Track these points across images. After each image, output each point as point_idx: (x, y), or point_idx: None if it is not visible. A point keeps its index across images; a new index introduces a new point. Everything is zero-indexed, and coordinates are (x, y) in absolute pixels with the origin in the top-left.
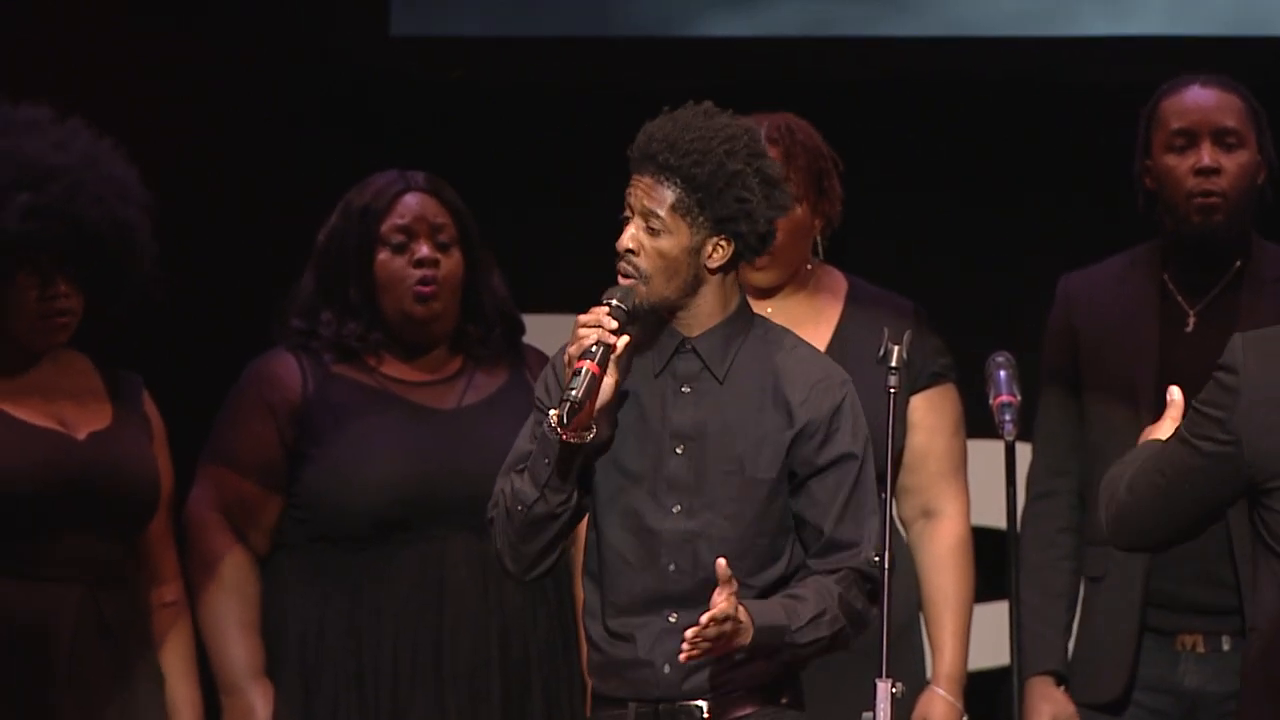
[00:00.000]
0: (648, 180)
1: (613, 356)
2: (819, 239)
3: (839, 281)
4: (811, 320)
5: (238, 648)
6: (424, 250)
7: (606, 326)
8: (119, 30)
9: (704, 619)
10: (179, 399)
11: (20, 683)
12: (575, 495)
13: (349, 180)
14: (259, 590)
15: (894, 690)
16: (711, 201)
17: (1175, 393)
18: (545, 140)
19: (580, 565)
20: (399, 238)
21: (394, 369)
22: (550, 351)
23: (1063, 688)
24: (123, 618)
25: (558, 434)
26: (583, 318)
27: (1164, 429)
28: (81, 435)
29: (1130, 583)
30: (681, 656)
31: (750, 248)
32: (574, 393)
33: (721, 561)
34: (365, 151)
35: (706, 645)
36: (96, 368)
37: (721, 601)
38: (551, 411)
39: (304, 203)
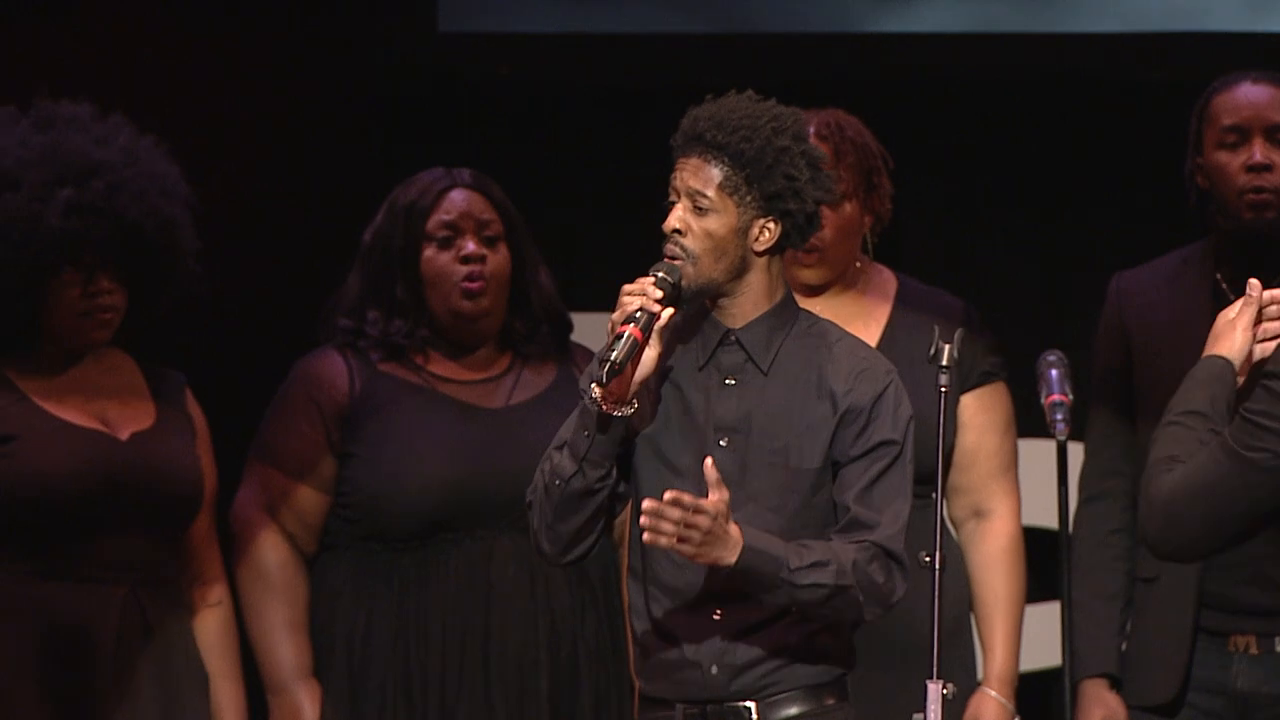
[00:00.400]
0: (694, 160)
1: (656, 326)
2: (868, 236)
3: (888, 280)
4: (860, 319)
5: (285, 648)
6: (470, 246)
7: (651, 295)
8: (162, 28)
9: (667, 496)
10: (224, 397)
11: (64, 684)
12: (613, 473)
13: (396, 177)
14: (306, 591)
15: (945, 691)
16: (760, 178)
17: (1256, 286)
18: (594, 137)
19: (626, 565)
20: (445, 234)
21: (441, 367)
22: (598, 349)
23: (1116, 690)
24: (166, 618)
25: (598, 404)
26: (627, 286)
27: (1231, 340)
28: (124, 435)
29: (1183, 584)
30: (645, 536)
31: (798, 229)
32: (614, 354)
33: (709, 461)
34: (412, 148)
35: (669, 529)
36: (140, 366)
37: (705, 500)
38: (593, 384)
39: (350, 200)
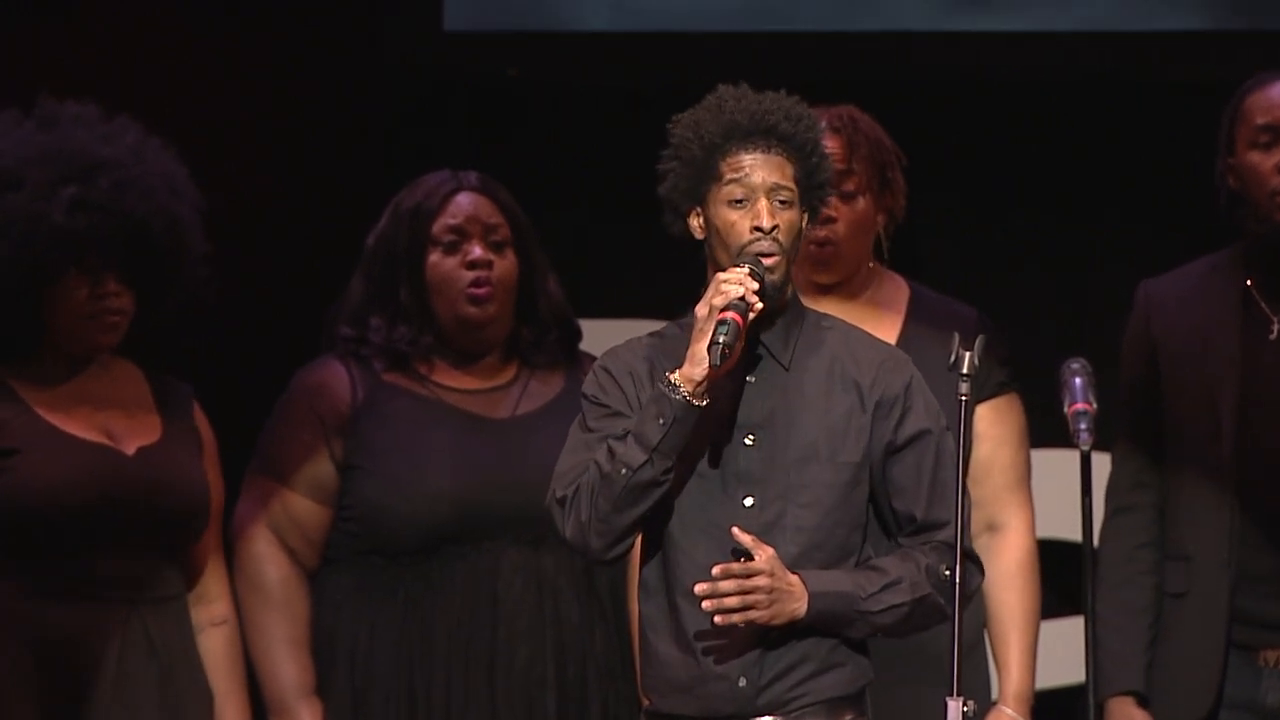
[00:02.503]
0: (762, 155)
1: (750, 316)
2: (882, 237)
3: (901, 288)
4: (873, 327)
5: (287, 666)
6: (477, 251)
7: (749, 286)
8: (167, 29)
9: (716, 570)
10: (225, 403)
11: (64, 702)
12: (674, 469)
13: (401, 180)
14: (308, 607)
15: (965, 709)
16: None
17: None
18: (606, 140)
19: (634, 581)
20: (451, 238)
21: (446, 377)
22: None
23: (1143, 708)
24: (169, 637)
25: (681, 393)
26: (723, 275)
27: None
28: (130, 450)
29: (1214, 600)
30: (717, 619)
31: (814, 219)
32: (724, 338)
33: (736, 530)
34: (417, 151)
35: (733, 602)
36: (147, 377)
37: (756, 560)
38: (675, 372)
39: (354, 203)
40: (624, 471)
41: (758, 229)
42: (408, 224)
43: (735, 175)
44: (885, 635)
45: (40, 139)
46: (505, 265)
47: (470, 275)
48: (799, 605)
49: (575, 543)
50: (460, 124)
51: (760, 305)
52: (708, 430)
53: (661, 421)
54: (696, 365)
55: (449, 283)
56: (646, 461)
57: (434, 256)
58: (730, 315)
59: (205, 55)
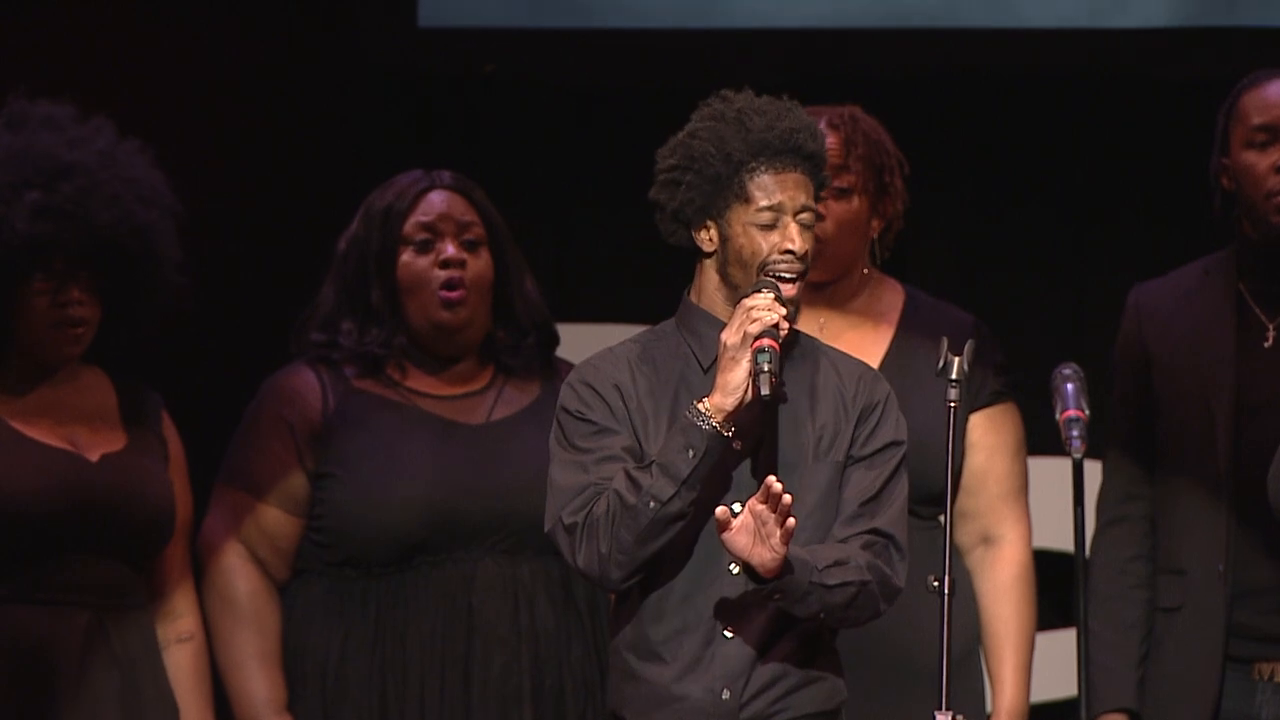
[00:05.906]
0: (793, 174)
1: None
2: (877, 245)
3: (896, 293)
4: (866, 332)
5: (257, 682)
6: (450, 250)
7: (779, 311)
8: (137, 26)
9: (778, 485)
10: (206, 419)
11: (25, 708)
12: (699, 498)
13: (378, 180)
14: (279, 620)
15: None
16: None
17: None
18: (584, 139)
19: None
20: (423, 236)
21: (419, 382)
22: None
23: None
24: (133, 646)
25: (712, 425)
26: (749, 302)
27: None
28: (94, 457)
29: (1211, 614)
30: (790, 522)
31: None
32: (769, 366)
33: (770, 478)
34: (392, 150)
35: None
36: (115, 387)
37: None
38: (704, 401)
39: (331, 205)
40: (652, 505)
41: (789, 252)
42: (379, 224)
43: (765, 196)
44: (827, 622)
45: (6, 141)
46: (479, 265)
47: (443, 275)
48: (779, 563)
49: (590, 573)
50: (435, 122)
51: (787, 328)
52: None
53: (691, 453)
54: (729, 394)
55: (421, 283)
56: (675, 494)
57: (406, 256)
58: (768, 343)
59: (177, 56)
